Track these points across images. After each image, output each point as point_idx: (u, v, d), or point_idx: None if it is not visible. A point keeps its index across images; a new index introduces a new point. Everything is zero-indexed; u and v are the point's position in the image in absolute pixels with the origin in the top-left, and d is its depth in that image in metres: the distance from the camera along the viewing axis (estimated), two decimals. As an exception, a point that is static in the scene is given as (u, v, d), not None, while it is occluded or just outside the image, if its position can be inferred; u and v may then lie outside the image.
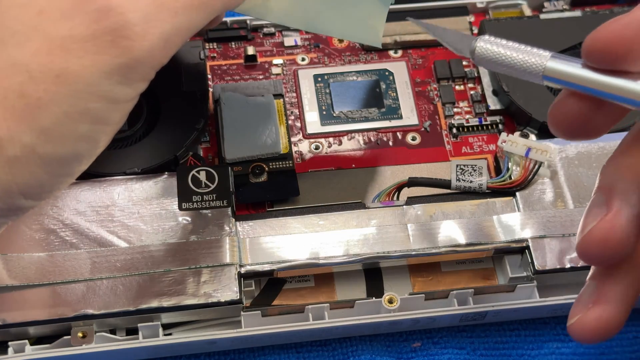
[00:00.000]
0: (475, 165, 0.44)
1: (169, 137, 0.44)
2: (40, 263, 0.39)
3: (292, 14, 0.38)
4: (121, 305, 0.39)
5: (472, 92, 0.49)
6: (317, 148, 0.47)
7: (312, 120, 0.48)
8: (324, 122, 0.48)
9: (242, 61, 0.50)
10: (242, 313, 0.40)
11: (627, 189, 0.30)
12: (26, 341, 0.39)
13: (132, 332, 0.40)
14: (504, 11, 0.53)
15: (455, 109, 0.49)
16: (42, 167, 0.31)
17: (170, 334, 0.40)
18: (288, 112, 0.48)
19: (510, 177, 0.43)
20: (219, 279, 0.39)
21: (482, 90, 0.49)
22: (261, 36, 0.51)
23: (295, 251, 0.41)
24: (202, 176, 0.42)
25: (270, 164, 0.45)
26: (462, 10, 0.52)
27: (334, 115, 0.48)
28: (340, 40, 0.51)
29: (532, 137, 0.46)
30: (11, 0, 0.31)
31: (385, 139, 0.47)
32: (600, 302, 0.32)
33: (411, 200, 0.43)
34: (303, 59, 0.50)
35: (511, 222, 0.42)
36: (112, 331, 0.40)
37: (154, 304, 0.39)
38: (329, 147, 0.47)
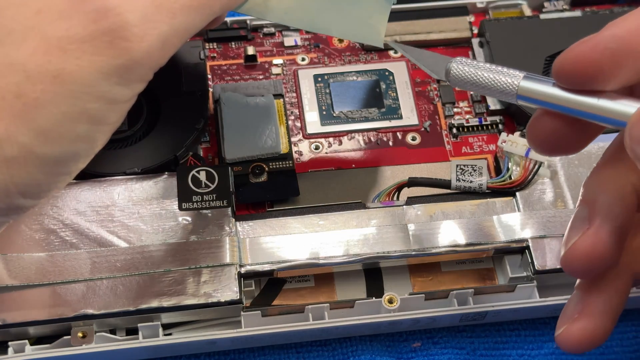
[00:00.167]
0: (475, 165, 0.44)
1: (169, 137, 0.44)
2: (40, 263, 0.39)
3: (293, 14, 0.38)
4: (121, 305, 0.39)
5: (472, 92, 0.49)
6: (317, 148, 0.47)
7: (312, 120, 0.48)
8: (324, 122, 0.48)
9: (242, 61, 0.50)
10: (242, 313, 0.40)
11: (609, 202, 0.30)
12: (26, 341, 0.39)
13: (132, 332, 0.40)
14: (504, 11, 0.53)
15: (455, 109, 0.49)
16: (40, 167, 0.31)
17: (170, 334, 0.40)
18: (288, 112, 0.48)
19: (510, 177, 0.43)
20: (219, 279, 0.39)
21: (482, 90, 0.49)
22: (261, 36, 0.51)
23: (295, 251, 0.41)
24: (202, 176, 0.42)
25: (270, 164, 0.45)
26: (462, 10, 0.52)
27: (334, 115, 0.48)
28: (340, 40, 0.51)
29: (532, 137, 0.46)
30: None
31: (385, 139, 0.47)
32: (585, 313, 0.32)
33: (411, 200, 0.43)
34: (303, 59, 0.50)
35: (511, 222, 0.42)
36: (112, 331, 0.40)
37: (154, 304, 0.39)
38: (329, 147, 0.47)
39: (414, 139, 0.47)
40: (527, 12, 0.52)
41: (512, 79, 0.31)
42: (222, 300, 0.39)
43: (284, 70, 0.50)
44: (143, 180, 0.42)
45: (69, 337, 0.39)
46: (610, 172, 0.31)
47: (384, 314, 0.40)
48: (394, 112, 0.48)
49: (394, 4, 0.40)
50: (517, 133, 0.45)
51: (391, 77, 0.49)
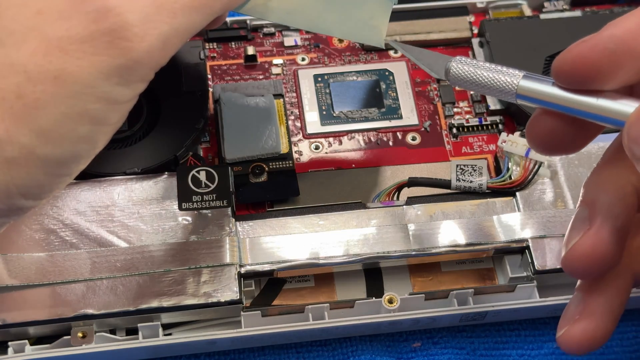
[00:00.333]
0: (475, 165, 0.44)
1: (169, 137, 0.44)
2: (40, 263, 0.39)
3: (294, 14, 0.38)
4: (121, 305, 0.39)
5: (472, 92, 0.49)
6: (317, 148, 0.47)
7: (312, 120, 0.48)
8: (324, 122, 0.48)
9: (242, 61, 0.50)
10: (242, 313, 0.40)
11: (609, 203, 0.30)
12: (26, 341, 0.39)
13: (132, 332, 0.40)
14: (504, 11, 0.53)
15: (455, 109, 0.49)
16: (41, 168, 0.31)
17: (170, 334, 0.40)
18: (288, 112, 0.48)
19: (510, 177, 0.43)
20: (219, 279, 0.39)
21: (482, 90, 0.49)
22: (261, 36, 0.51)
23: (295, 251, 0.41)
24: (202, 176, 0.42)
25: (270, 164, 0.45)
26: (462, 10, 0.52)
27: (334, 115, 0.48)
28: (340, 40, 0.51)
29: (532, 137, 0.46)
30: (9, 0, 0.31)
31: (385, 139, 0.47)
32: (585, 314, 0.32)
33: (411, 200, 0.43)
34: (303, 59, 0.50)
35: (511, 222, 0.42)
36: (112, 331, 0.40)
37: (154, 304, 0.39)
38: (329, 147, 0.47)
39: (414, 139, 0.47)
40: (527, 12, 0.52)
41: (511, 78, 0.31)
42: (222, 300, 0.39)
43: (284, 70, 0.50)
44: (143, 180, 0.42)
45: (69, 337, 0.39)
46: (610, 173, 0.31)
47: (384, 314, 0.40)
48: (394, 112, 0.48)
49: (394, 4, 0.40)
50: (517, 133, 0.45)
51: (391, 77, 0.49)
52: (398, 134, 0.47)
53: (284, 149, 0.45)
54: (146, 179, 0.42)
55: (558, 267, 0.40)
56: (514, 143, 0.43)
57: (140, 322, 0.39)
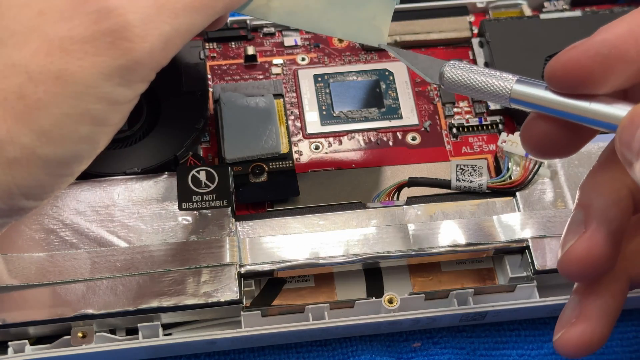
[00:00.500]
0: (475, 165, 0.44)
1: (169, 137, 0.44)
2: (40, 263, 0.39)
3: (295, 15, 0.38)
4: (121, 305, 0.39)
5: (468, 94, 0.49)
6: (317, 148, 0.47)
7: (312, 120, 0.48)
8: (324, 122, 0.48)
9: (242, 61, 0.50)
10: (242, 313, 0.40)
11: (605, 206, 0.30)
12: (26, 341, 0.39)
13: (132, 332, 0.40)
14: (504, 11, 0.53)
15: (455, 109, 0.49)
16: (42, 168, 0.31)
17: (170, 334, 0.40)
18: (288, 112, 0.48)
19: (510, 177, 0.43)
20: (219, 279, 0.39)
21: (482, 90, 0.49)
22: (261, 36, 0.51)
23: (295, 251, 0.41)
24: (202, 176, 0.42)
25: (270, 164, 0.45)
26: (462, 10, 0.52)
27: (334, 115, 0.48)
28: (340, 40, 0.51)
29: (532, 137, 0.46)
30: (10, 0, 0.31)
31: (385, 139, 0.47)
32: (582, 317, 0.32)
33: (411, 200, 0.43)
34: (303, 59, 0.50)
35: (511, 222, 0.42)
36: (112, 331, 0.40)
37: (154, 304, 0.39)
38: (329, 147, 0.47)
39: (414, 139, 0.47)
40: (527, 12, 0.52)
41: (505, 82, 0.31)
42: (222, 300, 0.39)
43: (284, 70, 0.50)
44: (143, 180, 0.42)
45: (69, 337, 0.39)
46: (605, 176, 0.31)
47: (384, 314, 0.40)
48: (394, 112, 0.48)
49: (396, 5, 0.40)
50: (517, 133, 0.45)
51: (391, 77, 0.49)
52: (398, 134, 0.47)
53: (284, 149, 0.45)
54: (146, 179, 0.42)
55: (558, 267, 0.40)
56: (514, 143, 0.43)
57: (140, 322, 0.39)
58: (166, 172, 0.43)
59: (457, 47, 0.51)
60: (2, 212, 0.31)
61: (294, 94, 0.49)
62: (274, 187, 0.44)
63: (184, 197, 0.41)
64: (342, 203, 0.43)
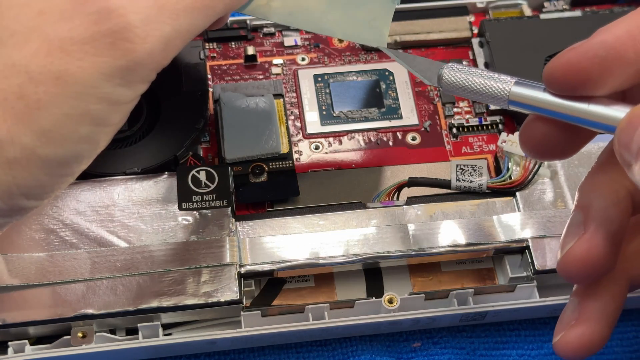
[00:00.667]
0: (475, 165, 0.44)
1: (169, 137, 0.44)
2: (40, 263, 0.39)
3: (296, 15, 0.38)
4: (121, 305, 0.39)
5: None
6: (317, 148, 0.47)
7: (312, 120, 0.48)
8: (324, 122, 0.48)
9: (242, 61, 0.50)
10: (242, 313, 0.40)
11: (604, 207, 0.30)
12: (26, 341, 0.39)
13: (132, 332, 0.40)
14: (504, 11, 0.53)
15: (455, 109, 0.49)
16: (43, 169, 0.31)
17: (170, 334, 0.40)
18: (288, 112, 0.48)
19: (510, 177, 0.43)
20: (219, 279, 0.39)
21: (482, 90, 0.49)
22: (261, 36, 0.51)
23: (295, 251, 0.41)
24: (202, 176, 0.42)
25: (270, 164, 0.45)
26: (462, 10, 0.52)
27: (334, 115, 0.48)
28: (340, 40, 0.51)
29: (532, 137, 0.46)
30: (11, 0, 0.31)
31: (385, 139, 0.47)
32: (581, 319, 0.32)
33: (411, 200, 0.43)
34: (303, 59, 0.50)
35: (511, 222, 0.42)
36: (112, 331, 0.40)
37: (154, 304, 0.39)
38: (329, 147, 0.47)
39: (414, 139, 0.47)
40: (527, 12, 0.52)
41: (503, 84, 0.31)
42: (222, 300, 0.39)
43: (284, 70, 0.50)
44: (143, 180, 0.42)
45: (69, 337, 0.39)
46: (604, 177, 0.31)
47: (384, 314, 0.40)
48: (394, 112, 0.48)
49: (397, 5, 0.40)
50: (517, 133, 0.45)
51: (391, 77, 0.49)
52: (398, 134, 0.47)
53: (284, 149, 0.45)
54: (146, 179, 0.42)
55: (558, 267, 0.40)
56: (514, 143, 0.43)
57: (140, 322, 0.39)
58: (166, 172, 0.43)
59: (457, 47, 0.51)
60: (2, 212, 0.31)
61: (294, 94, 0.49)
62: (274, 187, 0.44)
63: (184, 197, 0.41)
64: (342, 203, 0.43)
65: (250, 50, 0.50)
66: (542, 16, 0.50)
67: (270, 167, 0.45)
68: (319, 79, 0.49)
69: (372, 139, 0.47)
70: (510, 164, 0.43)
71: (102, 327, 0.39)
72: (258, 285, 0.42)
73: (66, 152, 0.31)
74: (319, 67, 0.50)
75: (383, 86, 0.49)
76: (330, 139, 0.47)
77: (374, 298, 0.41)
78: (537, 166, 0.43)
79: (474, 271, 0.43)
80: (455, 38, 0.51)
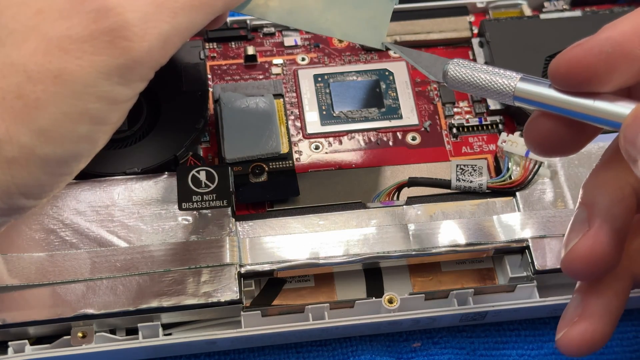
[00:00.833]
0: (475, 165, 0.44)
1: (169, 137, 0.44)
2: (40, 263, 0.39)
3: (294, 14, 0.38)
4: (121, 305, 0.39)
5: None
6: (317, 148, 0.47)
7: (312, 120, 0.48)
8: (324, 122, 0.48)
9: (242, 61, 0.50)
10: (242, 313, 0.40)
11: (608, 204, 0.30)
12: (26, 341, 0.39)
13: (132, 332, 0.40)
14: (504, 11, 0.53)
15: (455, 109, 0.49)
16: (41, 168, 0.31)
17: (170, 334, 0.40)
18: (288, 112, 0.48)
19: (510, 177, 0.43)
20: (219, 279, 0.39)
21: (482, 90, 0.49)
22: (261, 36, 0.51)
23: (295, 251, 0.41)
24: (202, 176, 0.42)
25: (270, 164, 0.45)
26: (462, 10, 0.52)
27: (334, 115, 0.48)
28: (340, 40, 0.51)
29: (532, 137, 0.46)
30: None
31: (385, 139, 0.47)
32: (584, 316, 0.32)
33: (411, 200, 0.43)
34: (303, 59, 0.50)
35: (511, 222, 0.42)
36: (112, 331, 0.40)
37: (154, 304, 0.39)
38: (329, 147, 0.47)
39: (414, 139, 0.47)
40: (527, 12, 0.52)
41: (508, 80, 0.31)
42: (222, 300, 0.39)
43: (284, 70, 0.50)
44: (143, 180, 0.42)
45: (69, 337, 0.39)
46: (609, 174, 0.31)
47: (384, 314, 0.40)
48: (394, 112, 0.48)
49: (395, 5, 0.40)
50: (517, 133, 0.45)
51: (391, 77, 0.49)
52: (398, 134, 0.47)
53: (284, 149, 0.45)
54: (146, 179, 0.42)
55: (558, 267, 0.40)
56: (514, 143, 0.43)
57: (140, 322, 0.39)
58: (166, 172, 0.43)
59: (457, 47, 0.51)
60: (1, 211, 0.31)
61: (294, 94, 0.49)
62: (274, 187, 0.44)
63: (184, 197, 0.41)
64: (342, 203, 0.43)
65: (250, 50, 0.50)
66: (542, 16, 0.50)
67: (270, 167, 0.45)
68: (319, 79, 0.49)
69: (372, 139, 0.47)
70: (510, 164, 0.43)
71: (102, 327, 0.39)
72: (258, 285, 0.42)
73: (65, 151, 0.31)
74: (319, 67, 0.50)
75: (383, 86, 0.49)
76: (330, 139, 0.47)
77: (374, 298, 0.41)
78: (537, 166, 0.43)
79: (474, 271, 0.43)
80: (455, 38, 0.51)
